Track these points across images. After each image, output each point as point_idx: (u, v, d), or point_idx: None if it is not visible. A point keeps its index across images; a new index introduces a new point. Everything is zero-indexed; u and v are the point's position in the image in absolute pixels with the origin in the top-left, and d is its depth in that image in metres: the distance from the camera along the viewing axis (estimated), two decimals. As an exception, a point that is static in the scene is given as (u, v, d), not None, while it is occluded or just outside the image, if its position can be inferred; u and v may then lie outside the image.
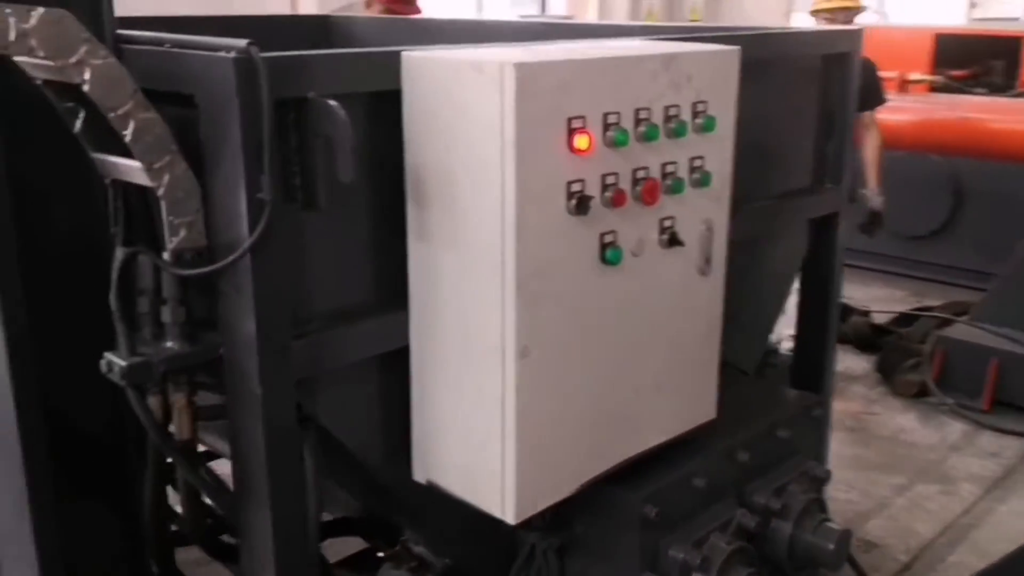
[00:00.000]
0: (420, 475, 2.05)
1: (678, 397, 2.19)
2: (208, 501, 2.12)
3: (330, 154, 1.70)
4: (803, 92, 2.94)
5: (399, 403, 2.04)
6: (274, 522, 1.82)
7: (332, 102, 1.68)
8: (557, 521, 2.22)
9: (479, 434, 1.88)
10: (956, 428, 5.16)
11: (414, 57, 1.82)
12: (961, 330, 5.52)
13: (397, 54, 1.83)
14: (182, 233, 1.70)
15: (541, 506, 1.95)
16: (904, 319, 6.12)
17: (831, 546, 2.40)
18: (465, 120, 1.76)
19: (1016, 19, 11.26)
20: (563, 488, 1.99)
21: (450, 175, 1.81)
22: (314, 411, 1.91)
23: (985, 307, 5.55)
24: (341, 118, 1.67)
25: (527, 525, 2.23)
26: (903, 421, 5.19)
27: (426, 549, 2.35)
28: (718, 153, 2.10)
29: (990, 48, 7.54)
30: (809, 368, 3.15)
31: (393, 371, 2.01)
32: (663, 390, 2.14)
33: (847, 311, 5.82)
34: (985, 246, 6.69)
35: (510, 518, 1.89)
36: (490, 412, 1.85)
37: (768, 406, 2.57)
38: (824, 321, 3.15)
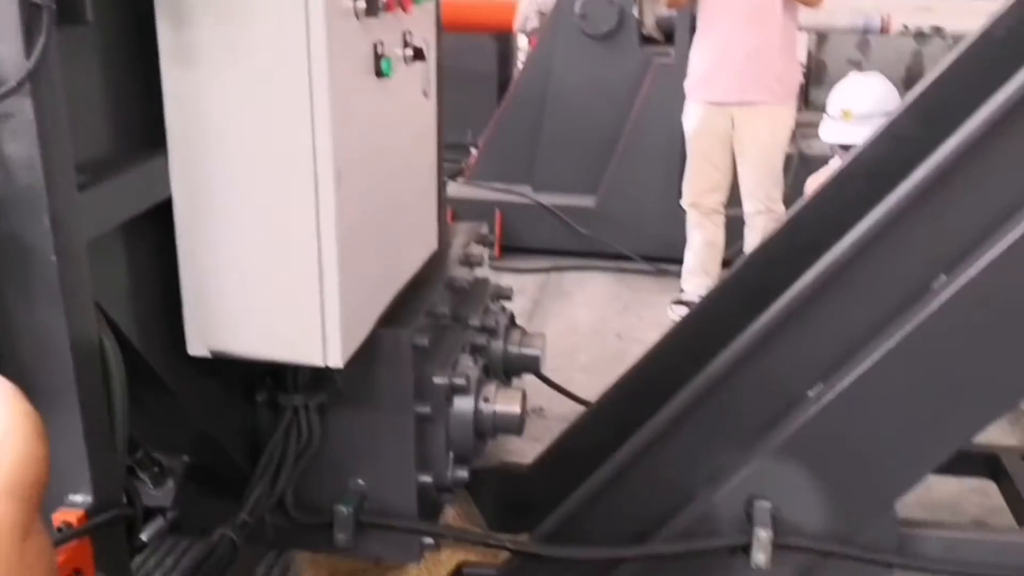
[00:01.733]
0: (199, 347, 1.78)
1: (421, 226, 2.17)
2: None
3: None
4: None
5: (151, 271, 1.74)
6: (88, 441, 1.46)
7: None
8: (316, 377, 2.09)
9: (287, 278, 1.69)
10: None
11: None
12: (462, 190, 6.05)
13: None
14: (-85, 58, 1.24)
15: (356, 344, 1.82)
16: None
17: (538, 353, 2.59)
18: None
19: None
20: (367, 323, 1.88)
21: (221, -20, 1.55)
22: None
23: (477, 168, 6.14)
24: None
25: (284, 389, 2.08)
26: (435, 278, 5.61)
27: (162, 451, 2.05)
28: (431, -32, 2.07)
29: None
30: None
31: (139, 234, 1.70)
32: (413, 218, 2.10)
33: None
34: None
35: (336, 361, 1.75)
36: (303, 250, 1.67)
37: (449, 234, 2.65)
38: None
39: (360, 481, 2.17)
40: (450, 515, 2.88)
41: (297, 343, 1.74)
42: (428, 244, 2.26)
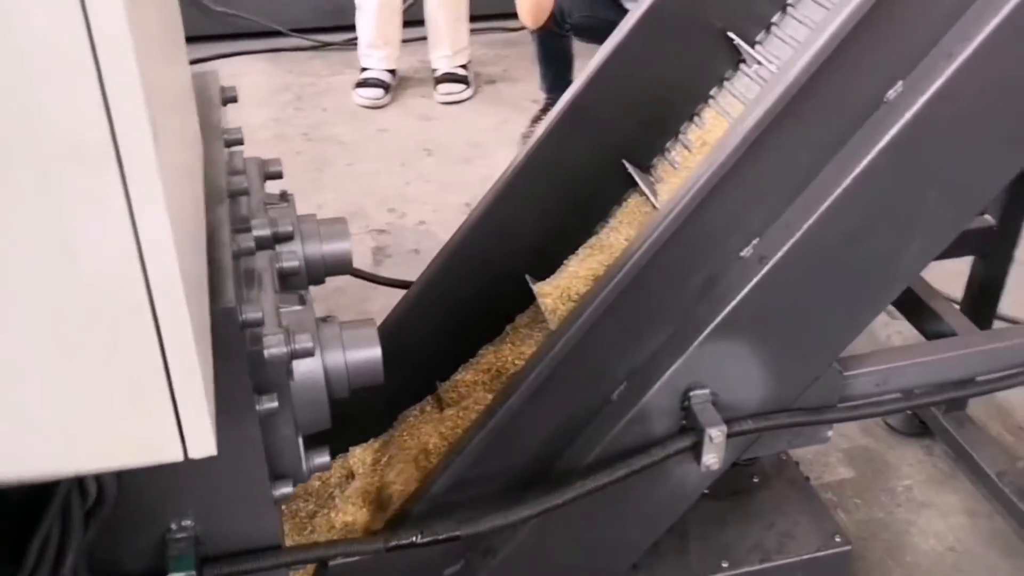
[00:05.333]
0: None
1: (195, 138, 1.36)
2: None
3: None
4: None
5: None
6: None
7: None
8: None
9: (88, 346, 0.90)
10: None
11: None
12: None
13: None
14: None
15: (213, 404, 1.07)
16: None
17: (347, 247, 1.90)
18: None
19: None
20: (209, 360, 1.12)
21: None
22: None
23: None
24: None
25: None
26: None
27: None
28: None
29: None
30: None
31: None
32: (193, 146, 1.29)
33: None
34: None
35: (208, 448, 1.00)
36: (117, 286, 0.87)
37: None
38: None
39: (189, 522, 1.47)
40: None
41: (145, 439, 0.97)
42: (199, 150, 1.45)
